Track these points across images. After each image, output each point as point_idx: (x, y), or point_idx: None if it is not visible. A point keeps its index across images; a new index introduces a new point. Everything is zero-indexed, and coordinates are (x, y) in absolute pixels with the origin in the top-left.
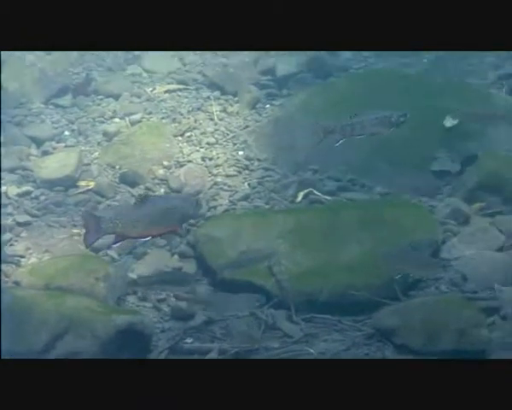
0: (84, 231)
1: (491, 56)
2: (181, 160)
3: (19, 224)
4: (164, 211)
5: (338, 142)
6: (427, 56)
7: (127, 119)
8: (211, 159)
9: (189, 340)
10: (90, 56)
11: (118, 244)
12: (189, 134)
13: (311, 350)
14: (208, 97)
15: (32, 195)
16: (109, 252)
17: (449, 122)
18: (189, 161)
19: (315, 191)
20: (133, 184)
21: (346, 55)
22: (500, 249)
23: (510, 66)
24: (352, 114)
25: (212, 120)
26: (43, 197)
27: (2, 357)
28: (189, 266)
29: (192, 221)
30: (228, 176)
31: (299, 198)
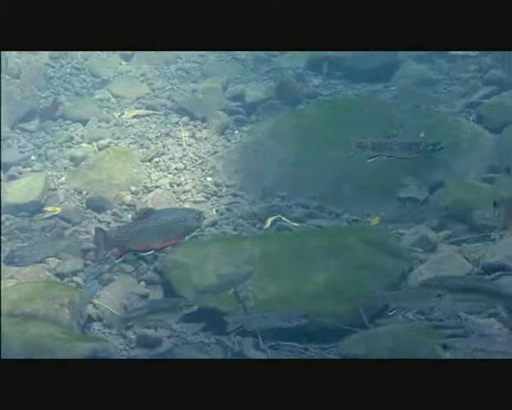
0: (94, 246)
1: (457, 85)
2: (149, 185)
3: None
4: (167, 224)
5: (370, 158)
6: (395, 85)
7: (95, 144)
8: (179, 185)
9: None
10: (58, 80)
11: (121, 258)
12: (157, 159)
13: None
14: (177, 123)
15: None
16: (75, 278)
17: None
18: (157, 187)
19: (283, 218)
20: (100, 210)
21: (315, 82)
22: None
23: (477, 94)
24: (388, 133)
25: (180, 145)
26: (8, 222)
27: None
28: (156, 293)
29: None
30: (196, 202)
31: (267, 225)
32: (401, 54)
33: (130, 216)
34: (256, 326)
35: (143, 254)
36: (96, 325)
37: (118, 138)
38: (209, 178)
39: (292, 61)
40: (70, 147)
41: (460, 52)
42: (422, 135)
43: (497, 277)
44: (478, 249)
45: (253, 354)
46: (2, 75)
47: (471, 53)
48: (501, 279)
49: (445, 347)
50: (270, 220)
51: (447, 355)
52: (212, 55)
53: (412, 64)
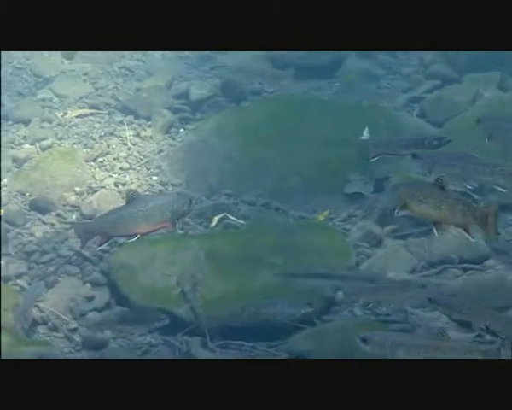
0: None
1: (400, 80)
2: (93, 185)
3: None
4: (153, 208)
5: (373, 158)
6: (338, 81)
7: (37, 144)
8: (124, 184)
9: None
10: None
11: (103, 246)
12: (101, 159)
13: None
14: (121, 122)
15: None
16: (19, 281)
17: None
18: (102, 187)
19: (229, 216)
20: (44, 211)
21: (260, 78)
22: (412, 271)
23: (420, 89)
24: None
25: (125, 144)
26: None
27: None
28: (102, 295)
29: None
30: None
31: (214, 223)
32: None
33: (74, 217)
34: (267, 313)
35: (129, 239)
36: (42, 329)
37: (61, 138)
38: (155, 178)
39: (237, 59)
40: (12, 148)
41: None
42: (366, 130)
43: (441, 270)
44: (423, 243)
45: (201, 353)
46: None
47: None
48: (445, 272)
49: (364, 340)
50: (216, 219)
51: (367, 349)
52: (156, 54)
53: (356, 60)
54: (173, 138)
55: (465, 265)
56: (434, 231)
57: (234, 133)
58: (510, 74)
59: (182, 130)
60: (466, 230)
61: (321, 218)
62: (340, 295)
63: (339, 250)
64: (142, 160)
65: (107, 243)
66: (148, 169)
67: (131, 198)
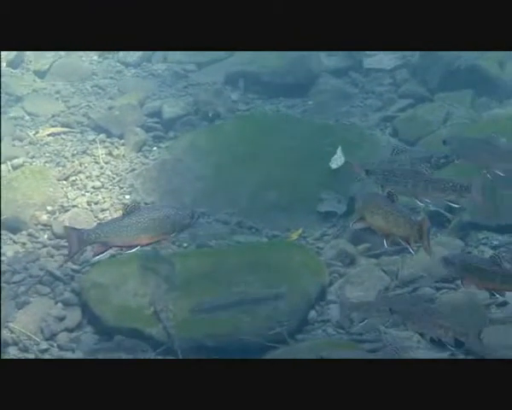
0: (68, 244)
1: (373, 98)
2: (65, 204)
3: None
4: (154, 220)
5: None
6: (311, 99)
7: (9, 163)
8: (96, 203)
9: None
10: None
11: (101, 256)
12: (73, 178)
13: None
14: (93, 140)
15: None
16: None
17: (335, 164)
18: (74, 206)
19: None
20: (15, 231)
21: (233, 97)
22: (386, 290)
23: (393, 108)
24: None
25: (97, 163)
26: None
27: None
28: (74, 315)
29: (76, 267)
30: None
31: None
32: (317, 69)
33: (45, 237)
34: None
35: (128, 250)
36: (12, 350)
37: (33, 157)
38: (127, 196)
39: (209, 77)
40: None
41: (375, 66)
42: (339, 149)
43: (414, 289)
44: (396, 262)
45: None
46: None
47: (387, 67)
48: (418, 291)
49: (322, 358)
50: None
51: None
52: (128, 72)
53: (329, 78)
54: (146, 157)
55: (438, 284)
56: (385, 242)
57: (207, 152)
58: (482, 93)
59: (155, 148)
60: (408, 242)
61: (294, 236)
62: (313, 313)
63: (312, 269)
64: (114, 178)
65: (104, 254)
66: (121, 188)
67: (132, 209)
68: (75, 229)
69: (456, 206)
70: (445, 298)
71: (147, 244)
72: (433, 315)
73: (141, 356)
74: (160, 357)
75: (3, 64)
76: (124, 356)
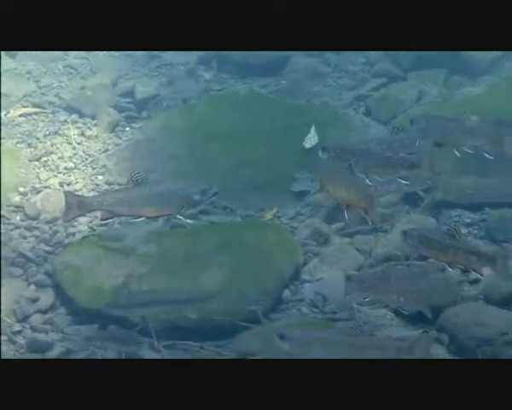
0: (64, 208)
1: (346, 78)
2: (37, 186)
3: None
4: (161, 193)
5: None
6: (284, 78)
7: None
8: (69, 184)
9: None
10: None
11: (107, 221)
12: (45, 159)
13: None
14: (65, 121)
15: None
16: None
17: (308, 143)
18: (47, 187)
19: (177, 215)
20: None
21: (206, 77)
22: (359, 269)
23: (366, 87)
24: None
25: (69, 144)
26: None
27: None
28: (47, 296)
29: (49, 249)
30: None
31: (161, 222)
32: None
33: (18, 218)
34: None
35: (135, 220)
36: None
37: (4, 138)
38: (100, 177)
39: (182, 57)
40: None
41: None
42: (313, 128)
43: (389, 267)
44: (369, 241)
45: (148, 354)
46: None
47: None
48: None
49: (282, 337)
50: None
51: (285, 346)
52: (100, 51)
53: (302, 58)
54: (119, 137)
55: (410, 262)
56: (345, 213)
57: (180, 132)
58: (455, 71)
59: (128, 128)
60: (366, 212)
61: (268, 216)
62: (287, 293)
63: (286, 249)
64: (87, 159)
65: (111, 220)
66: (94, 168)
67: (139, 181)
68: (77, 196)
69: (405, 182)
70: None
71: (154, 217)
72: (387, 282)
73: (135, 348)
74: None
75: None
76: (117, 347)
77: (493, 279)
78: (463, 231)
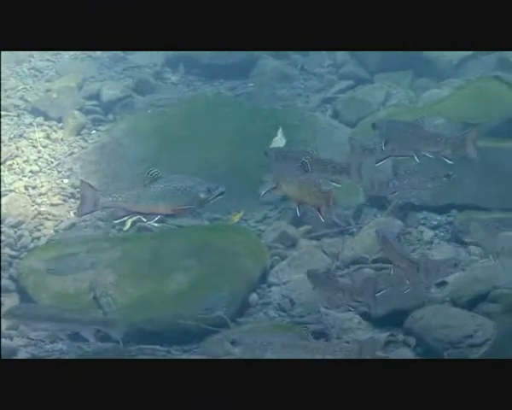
0: (80, 201)
1: (314, 80)
2: (2, 189)
3: None
4: (173, 190)
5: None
6: (252, 81)
7: None
8: (34, 188)
9: None
10: None
11: (122, 219)
12: (10, 162)
13: None
14: (31, 124)
15: None
16: None
17: (276, 145)
18: (11, 191)
19: (143, 219)
20: None
21: (172, 79)
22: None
23: (333, 89)
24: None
25: (35, 147)
26: None
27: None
28: (12, 301)
29: (14, 253)
30: (52, 205)
31: (128, 226)
32: None
33: None
34: None
35: (150, 219)
36: None
37: None
38: (66, 180)
39: (149, 59)
40: None
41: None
42: (280, 131)
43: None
44: (337, 243)
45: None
46: None
47: None
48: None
49: (233, 343)
50: (130, 221)
51: (236, 351)
52: (65, 54)
53: (269, 60)
54: (85, 140)
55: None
56: (297, 210)
57: (147, 134)
58: (420, 74)
59: (94, 131)
60: (319, 210)
61: (235, 219)
62: (254, 296)
63: (253, 252)
64: (52, 162)
65: (125, 218)
66: (60, 172)
67: (153, 178)
68: (93, 189)
69: (338, 185)
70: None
71: (167, 214)
72: (333, 280)
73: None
74: (99, 343)
75: None
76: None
77: (460, 282)
78: (430, 233)
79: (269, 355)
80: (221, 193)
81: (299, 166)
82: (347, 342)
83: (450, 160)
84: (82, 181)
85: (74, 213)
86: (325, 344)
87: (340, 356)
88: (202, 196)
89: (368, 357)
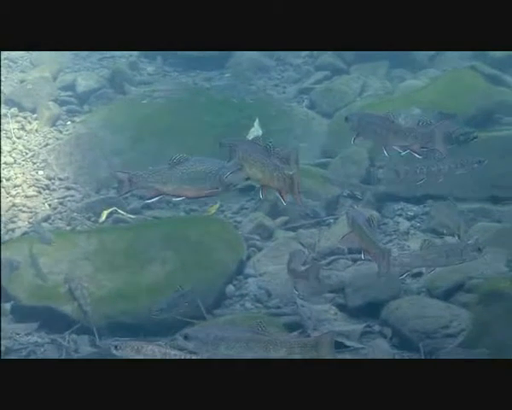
0: (117, 184)
1: (290, 71)
2: None
3: None
4: (199, 173)
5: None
6: (228, 71)
7: None
8: (9, 179)
9: None
10: None
11: (153, 200)
12: None
13: None
14: (5, 114)
15: None
16: None
17: (252, 136)
18: None
19: (119, 210)
20: None
21: (148, 70)
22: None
23: (310, 80)
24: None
25: (9, 138)
26: None
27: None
28: None
29: None
30: (27, 197)
31: (103, 218)
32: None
33: None
34: None
35: (176, 199)
36: None
37: None
38: (41, 172)
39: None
40: None
41: None
42: (257, 121)
43: (331, 261)
44: (313, 235)
45: (90, 352)
46: None
47: None
48: (335, 263)
49: (186, 337)
50: (105, 213)
51: (190, 346)
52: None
53: (246, 51)
54: (60, 131)
55: (354, 255)
56: (260, 193)
57: (123, 125)
58: (396, 65)
59: (69, 122)
60: (281, 194)
61: (211, 210)
62: (231, 288)
63: (230, 243)
64: (27, 154)
65: (157, 198)
66: (34, 163)
67: (180, 159)
68: (126, 172)
69: (418, 157)
70: (362, 269)
71: (195, 197)
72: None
73: None
74: (74, 336)
75: None
76: None
77: (436, 273)
78: (407, 224)
79: (222, 350)
80: (247, 179)
81: (263, 148)
82: (308, 336)
83: (419, 154)
84: (116, 171)
85: (49, 205)
86: (280, 338)
87: (296, 351)
88: (228, 179)
89: (325, 352)
